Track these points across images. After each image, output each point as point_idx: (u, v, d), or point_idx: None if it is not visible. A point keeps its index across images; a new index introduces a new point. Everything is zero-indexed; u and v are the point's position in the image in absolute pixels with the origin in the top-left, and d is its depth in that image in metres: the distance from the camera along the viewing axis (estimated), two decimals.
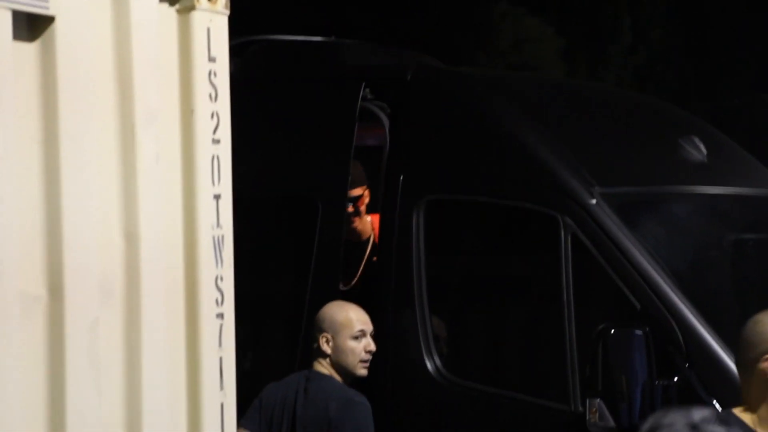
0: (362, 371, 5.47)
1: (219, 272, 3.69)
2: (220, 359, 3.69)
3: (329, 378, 5.43)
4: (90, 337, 3.34)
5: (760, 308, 6.11)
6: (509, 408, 5.58)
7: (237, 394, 3.79)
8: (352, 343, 5.44)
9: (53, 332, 3.27)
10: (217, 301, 3.68)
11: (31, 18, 3.24)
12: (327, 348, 5.45)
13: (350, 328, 5.45)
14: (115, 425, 3.43)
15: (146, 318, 3.48)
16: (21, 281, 3.18)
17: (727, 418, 2.54)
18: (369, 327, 5.50)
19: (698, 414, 2.52)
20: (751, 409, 4.01)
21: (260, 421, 5.44)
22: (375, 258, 6.32)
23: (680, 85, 20.05)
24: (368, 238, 6.56)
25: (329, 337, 5.45)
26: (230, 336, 3.73)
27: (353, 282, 6.38)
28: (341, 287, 6.83)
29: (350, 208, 6.68)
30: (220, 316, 3.69)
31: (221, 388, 3.69)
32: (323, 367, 5.47)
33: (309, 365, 5.54)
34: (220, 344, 3.69)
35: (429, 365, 5.71)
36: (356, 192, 6.53)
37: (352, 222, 6.75)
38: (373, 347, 5.48)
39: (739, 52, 19.48)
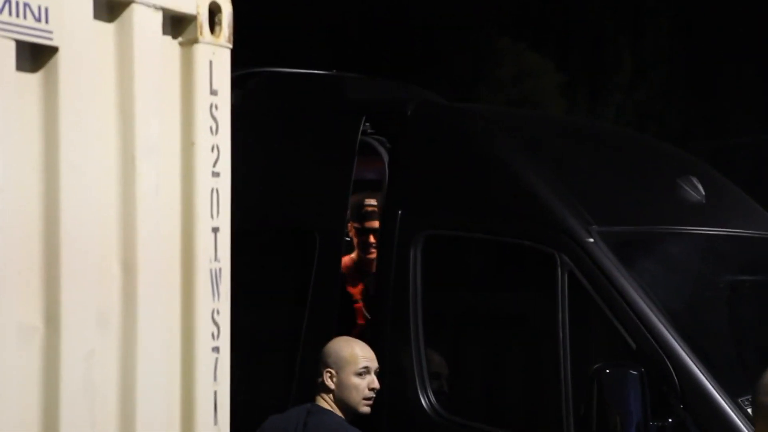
0: (365, 408, 5.44)
1: (215, 305, 3.69)
2: (215, 393, 3.69)
3: (330, 414, 5.40)
4: (85, 368, 3.34)
5: (756, 349, 6.14)
6: None
7: (231, 427, 3.78)
8: (355, 380, 5.42)
9: (49, 363, 3.27)
10: (213, 334, 3.68)
11: (35, 48, 3.25)
12: (330, 383, 5.43)
13: (355, 365, 5.43)
14: None
15: (142, 349, 3.48)
16: (18, 312, 3.18)
17: None
18: (374, 364, 5.48)
19: None
20: None
21: None
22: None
23: (681, 123, 20.09)
24: None
25: (333, 372, 5.43)
26: (225, 370, 3.73)
27: None
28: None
29: (372, 239, 6.69)
30: (216, 349, 3.69)
31: (215, 422, 3.69)
32: (325, 402, 5.44)
33: (304, 398, 5.53)
34: (215, 378, 3.68)
35: (424, 402, 5.70)
36: (376, 224, 6.53)
37: (373, 253, 6.75)
38: (377, 385, 5.45)
39: (741, 91, 19.53)
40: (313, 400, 5.47)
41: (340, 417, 5.41)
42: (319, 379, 5.45)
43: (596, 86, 20.65)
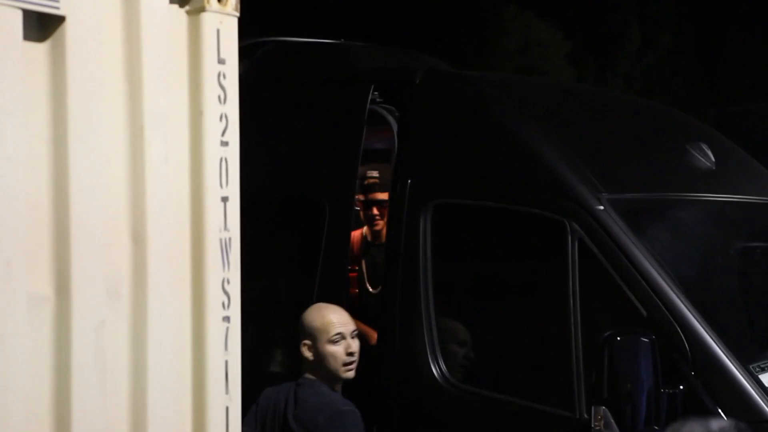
0: (347, 374, 5.41)
1: (226, 275, 3.69)
2: (226, 362, 3.69)
3: (317, 384, 5.38)
4: (96, 338, 3.34)
5: (766, 316, 6.13)
6: (514, 414, 5.56)
7: (242, 397, 3.79)
8: (331, 348, 5.38)
9: (60, 333, 3.27)
10: (223, 304, 3.67)
11: (42, 18, 3.24)
12: (309, 354, 5.41)
13: (327, 333, 5.39)
14: (119, 426, 3.43)
15: (152, 320, 3.48)
16: (28, 282, 3.18)
17: (746, 429, 2.54)
18: (349, 328, 5.44)
19: (717, 424, 2.52)
20: None
21: (255, 427, 5.41)
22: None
23: (688, 91, 20.04)
24: None
25: (309, 343, 5.41)
26: (236, 339, 3.73)
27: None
28: (370, 290, 6.84)
29: (375, 211, 6.69)
30: (227, 319, 3.69)
31: (227, 391, 3.69)
32: (309, 373, 5.42)
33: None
34: (226, 347, 3.68)
35: (434, 370, 5.70)
36: (383, 196, 6.52)
37: (378, 225, 6.75)
38: (354, 348, 5.41)
39: (747, 58, 19.47)
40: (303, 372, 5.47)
41: (326, 387, 5.38)
42: (299, 352, 5.43)
43: (603, 55, 20.59)
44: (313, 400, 5.33)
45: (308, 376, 5.43)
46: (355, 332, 5.47)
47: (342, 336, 5.41)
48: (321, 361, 5.39)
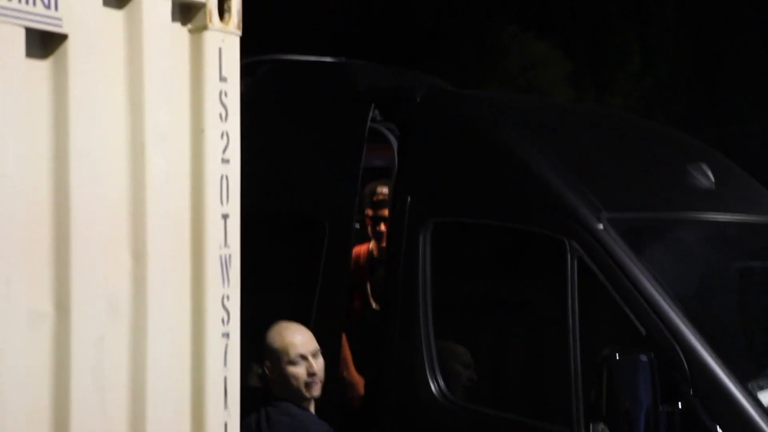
0: (313, 393, 5.35)
1: (225, 291, 3.70)
2: (225, 378, 3.70)
3: (286, 405, 5.32)
4: (96, 354, 3.35)
5: (765, 335, 6.14)
6: (512, 431, 5.57)
7: (240, 412, 3.80)
8: (292, 369, 5.34)
9: (59, 348, 3.28)
10: (223, 320, 3.69)
11: (45, 36, 3.26)
12: (271, 375, 5.36)
13: (287, 354, 5.34)
14: None
15: (152, 335, 3.49)
16: (28, 298, 3.19)
17: None
18: (309, 347, 5.38)
19: None
20: None
21: None
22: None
23: (688, 111, 20.07)
24: None
25: (269, 364, 5.36)
26: (235, 355, 3.74)
27: None
28: (374, 306, 6.84)
29: (383, 227, 6.70)
30: (226, 335, 3.70)
31: (225, 407, 3.70)
32: (275, 392, 5.36)
33: None
34: (225, 363, 3.70)
35: (433, 387, 5.70)
36: (387, 212, 6.53)
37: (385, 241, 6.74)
38: (315, 368, 5.34)
39: (748, 78, 19.49)
40: None
41: (294, 407, 5.32)
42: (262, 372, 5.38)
43: (604, 74, 20.63)
44: (283, 421, 5.29)
45: (276, 395, 5.37)
46: (318, 351, 5.41)
47: (303, 357, 5.35)
48: (283, 381, 5.34)
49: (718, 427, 5.07)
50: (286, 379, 5.34)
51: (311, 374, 5.33)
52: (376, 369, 5.92)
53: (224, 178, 3.71)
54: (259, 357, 5.40)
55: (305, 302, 6.09)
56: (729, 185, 6.51)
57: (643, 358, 5.07)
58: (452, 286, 6.03)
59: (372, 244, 6.96)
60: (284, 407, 5.33)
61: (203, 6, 3.68)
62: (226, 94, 3.72)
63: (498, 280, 6.06)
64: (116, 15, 3.48)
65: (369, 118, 6.15)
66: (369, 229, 6.87)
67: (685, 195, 6.16)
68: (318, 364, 5.38)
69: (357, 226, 6.31)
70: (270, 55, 7.08)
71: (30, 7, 3.18)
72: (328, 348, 5.63)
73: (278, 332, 5.43)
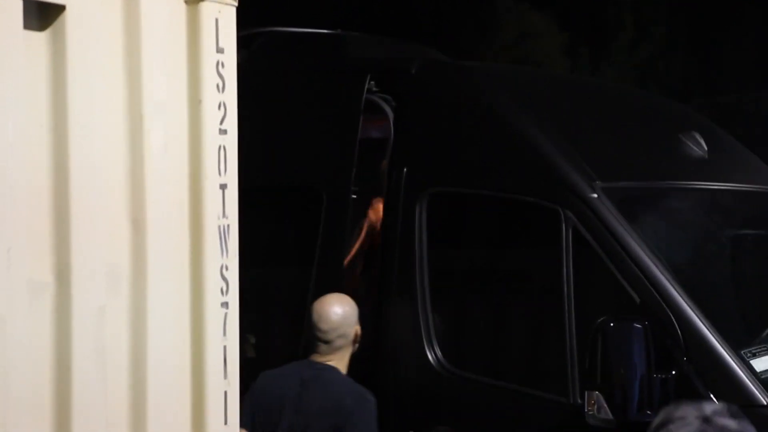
0: None
1: (224, 262, 3.72)
2: (224, 348, 3.72)
3: (336, 370, 5.42)
4: (96, 324, 3.37)
5: (758, 303, 6.18)
6: (508, 399, 5.60)
7: (240, 382, 3.82)
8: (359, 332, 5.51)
9: (60, 318, 3.30)
10: (222, 290, 3.71)
11: (42, 7, 3.27)
12: (355, 339, 5.49)
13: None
14: (119, 410, 3.46)
15: (152, 305, 3.51)
16: (29, 268, 3.20)
17: (738, 412, 2.56)
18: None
19: (710, 407, 2.53)
20: None
21: (253, 412, 5.37)
22: None
23: (682, 82, 20.05)
24: None
25: (359, 328, 5.49)
26: (234, 325, 3.76)
27: None
28: None
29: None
30: (225, 305, 3.72)
31: (225, 376, 3.72)
32: (329, 359, 5.44)
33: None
34: (224, 333, 3.71)
35: (430, 356, 5.74)
36: None
37: None
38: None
39: (740, 48, 19.48)
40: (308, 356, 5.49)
41: (343, 373, 5.44)
42: (343, 340, 5.46)
43: (598, 46, 20.59)
44: (336, 382, 5.38)
45: (322, 361, 5.44)
46: None
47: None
48: (354, 346, 5.49)
49: (711, 393, 5.11)
50: (355, 343, 5.51)
51: None
52: (373, 339, 5.95)
53: (222, 149, 3.72)
54: (341, 328, 5.47)
55: (304, 271, 6.12)
56: (722, 154, 6.54)
57: (637, 326, 5.11)
58: (448, 256, 6.06)
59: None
60: (334, 372, 5.42)
61: None
62: (223, 65, 3.72)
63: (493, 249, 6.10)
64: None
65: (365, 90, 6.17)
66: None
67: (678, 164, 6.19)
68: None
69: (354, 196, 6.34)
70: (266, 27, 7.09)
71: None
72: None
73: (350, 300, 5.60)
